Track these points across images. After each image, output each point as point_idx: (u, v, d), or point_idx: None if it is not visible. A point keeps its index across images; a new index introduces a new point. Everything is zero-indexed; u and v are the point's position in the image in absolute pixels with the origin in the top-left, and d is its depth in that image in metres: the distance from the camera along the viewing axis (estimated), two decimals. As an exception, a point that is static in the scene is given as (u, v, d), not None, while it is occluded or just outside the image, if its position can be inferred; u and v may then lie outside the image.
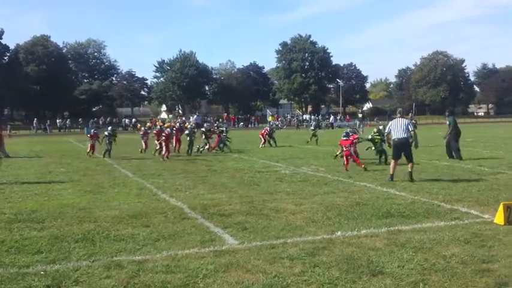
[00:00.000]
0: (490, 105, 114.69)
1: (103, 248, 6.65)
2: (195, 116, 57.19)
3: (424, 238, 6.92)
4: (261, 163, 17.23)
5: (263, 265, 5.84)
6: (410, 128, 12.49)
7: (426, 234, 7.11)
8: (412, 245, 6.58)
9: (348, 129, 16.45)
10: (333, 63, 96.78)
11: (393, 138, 12.48)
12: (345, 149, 14.69)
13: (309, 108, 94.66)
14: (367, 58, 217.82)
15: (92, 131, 22.67)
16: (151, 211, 9.01)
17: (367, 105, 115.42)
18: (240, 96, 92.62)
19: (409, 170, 12.24)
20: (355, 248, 6.52)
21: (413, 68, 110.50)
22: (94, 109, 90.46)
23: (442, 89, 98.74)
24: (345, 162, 14.55)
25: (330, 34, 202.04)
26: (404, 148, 12.39)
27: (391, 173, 12.32)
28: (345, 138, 14.90)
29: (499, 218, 7.65)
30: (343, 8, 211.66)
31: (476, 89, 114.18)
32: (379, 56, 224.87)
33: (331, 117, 69.18)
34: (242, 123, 70.02)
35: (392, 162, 12.49)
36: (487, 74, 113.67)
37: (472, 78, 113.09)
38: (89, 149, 21.11)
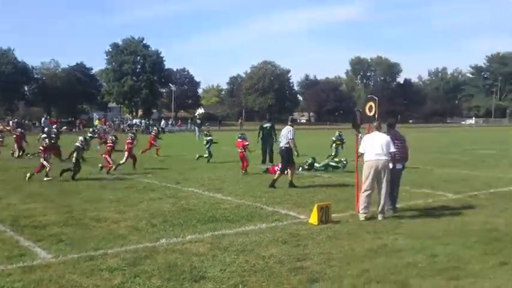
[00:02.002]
0: (311, 114, 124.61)
1: None
2: (43, 120, 52.02)
3: (246, 241, 7.13)
4: (84, 169, 15.97)
5: (79, 279, 5.46)
6: (290, 136, 12.49)
7: (248, 237, 7.34)
8: (235, 248, 6.74)
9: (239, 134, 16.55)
10: (166, 68, 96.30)
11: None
12: (239, 151, 15.25)
13: (140, 113, 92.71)
14: (200, 64, 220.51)
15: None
16: (-51, 226, 7.88)
17: (199, 111, 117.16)
18: (65, 98, 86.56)
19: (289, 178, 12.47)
20: (179, 254, 6.45)
21: (243, 75, 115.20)
22: None
23: (269, 96, 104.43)
24: (241, 164, 15.25)
25: (163, 38, 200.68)
26: (283, 156, 12.62)
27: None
28: (240, 140, 15.45)
29: (314, 218, 8.23)
30: (178, 13, 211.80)
31: (300, 98, 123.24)
32: (212, 62, 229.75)
33: (163, 122, 68.72)
34: (65, 127, 65.71)
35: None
36: (309, 84, 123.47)
37: (296, 87, 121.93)
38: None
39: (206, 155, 18.82)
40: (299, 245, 6.93)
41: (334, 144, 19.33)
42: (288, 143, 12.45)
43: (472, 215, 9.01)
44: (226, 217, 8.78)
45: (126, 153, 16.29)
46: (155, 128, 30.24)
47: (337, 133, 19.75)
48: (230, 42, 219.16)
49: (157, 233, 7.57)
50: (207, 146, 19.03)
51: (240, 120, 79.65)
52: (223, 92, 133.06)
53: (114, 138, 16.26)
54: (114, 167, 15.28)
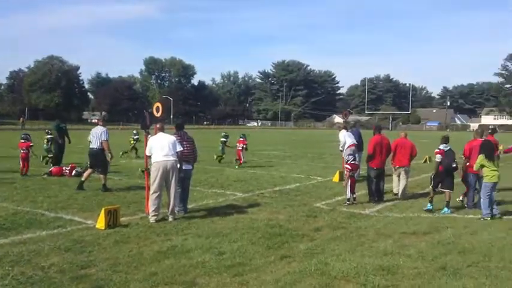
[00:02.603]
0: (104, 113, 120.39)
1: None
2: None
3: (23, 250, 6.49)
4: None
5: None
6: (104, 137, 11.75)
7: (26, 246, 6.70)
8: (10, 259, 6.12)
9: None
10: None
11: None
12: (22, 152, 14.44)
13: None
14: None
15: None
16: None
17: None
18: None
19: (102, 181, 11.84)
20: None
21: (26, 70, 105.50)
22: None
23: (56, 94, 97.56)
24: (21, 166, 14.35)
25: None
26: (95, 158, 11.88)
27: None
28: (23, 141, 14.69)
29: (101, 223, 7.85)
30: None
31: (91, 96, 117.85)
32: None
33: None
34: None
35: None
36: (101, 82, 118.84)
37: (86, 85, 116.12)
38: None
39: (50, 155, 17.08)
40: (83, 251, 6.53)
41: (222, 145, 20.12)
42: (101, 143, 11.80)
43: (258, 212, 9.61)
44: (1, 225, 7.86)
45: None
46: None
47: (223, 133, 20.70)
48: (9, 33, 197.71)
49: None
50: (48, 146, 17.59)
51: (21, 119, 72.45)
52: (2, 88, 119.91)
53: None
54: None
